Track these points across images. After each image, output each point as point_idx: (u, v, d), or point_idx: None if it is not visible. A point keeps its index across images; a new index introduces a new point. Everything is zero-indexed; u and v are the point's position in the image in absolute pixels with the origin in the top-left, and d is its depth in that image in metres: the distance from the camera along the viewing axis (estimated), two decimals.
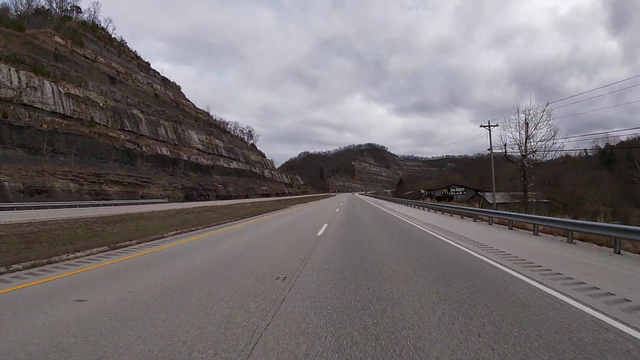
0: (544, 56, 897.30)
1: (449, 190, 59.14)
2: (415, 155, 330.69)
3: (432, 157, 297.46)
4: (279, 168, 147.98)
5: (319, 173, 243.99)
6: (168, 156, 56.06)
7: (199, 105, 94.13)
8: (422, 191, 70.47)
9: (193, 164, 61.30)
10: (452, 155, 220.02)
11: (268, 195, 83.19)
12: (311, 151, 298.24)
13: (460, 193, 57.99)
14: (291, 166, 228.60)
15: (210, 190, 59.41)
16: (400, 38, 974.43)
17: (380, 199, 73.40)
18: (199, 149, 70.98)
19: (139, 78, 70.00)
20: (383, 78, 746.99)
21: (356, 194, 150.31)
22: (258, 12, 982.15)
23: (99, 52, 59.64)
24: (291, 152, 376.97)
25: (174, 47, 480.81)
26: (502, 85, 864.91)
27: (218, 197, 58.60)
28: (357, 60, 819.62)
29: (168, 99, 74.78)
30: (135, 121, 54.20)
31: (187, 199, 50.00)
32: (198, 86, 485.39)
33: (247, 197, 69.22)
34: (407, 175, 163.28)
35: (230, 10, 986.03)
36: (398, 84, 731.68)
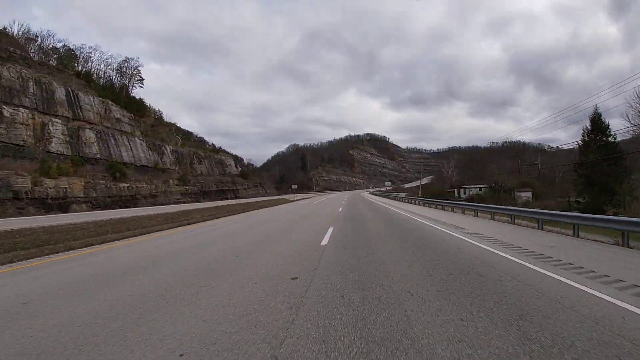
0: (543, 44, 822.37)
1: None
2: (418, 148, 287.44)
3: (437, 149, 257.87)
4: (266, 162, 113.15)
5: (300, 163, 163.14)
6: None
7: None
8: None
9: None
10: (460, 147, 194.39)
11: None
12: (301, 144, 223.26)
13: None
14: (277, 161, 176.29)
15: None
16: (392, 27, 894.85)
17: None
18: None
19: None
20: (376, 71, 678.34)
21: (365, 193, 71.70)
22: (242, 3, 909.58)
23: None
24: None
25: (159, 46, 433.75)
26: (500, 75, 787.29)
27: None
28: (348, 52, 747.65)
29: None
30: None
31: None
32: (189, 86, 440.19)
33: None
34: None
35: (213, 4, 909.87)
36: (392, 76, 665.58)
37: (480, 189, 42.20)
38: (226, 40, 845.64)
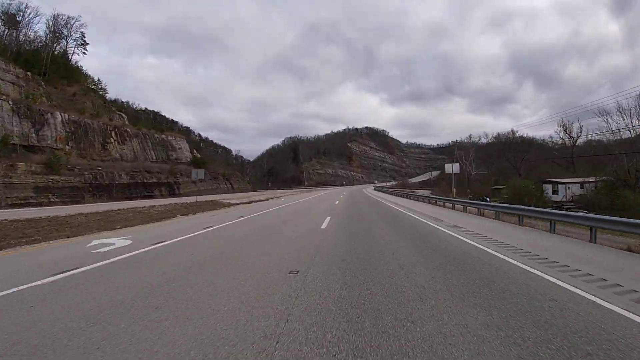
0: (543, 41, 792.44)
1: None
2: (417, 144, 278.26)
3: (438, 144, 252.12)
4: (260, 155, 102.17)
5: (292, 155, 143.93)
6: None
7: None
8: None
9: None
10: (462, 141, 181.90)
11: None
12: (296, 137, 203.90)
13: None
14: (273, 154, 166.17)
15: None
16: (391, 22, 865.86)
17: None
18: None
19: None
20: (374, 66, 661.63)
21: (368, 190, 53.54)
22: None
23: None
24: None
25: (156, 40, 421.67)
26: (499, 72, 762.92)
27: None
28: (346, 47, 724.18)
29: None
30: None
31: None
32: (186, 80, 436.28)
33: None
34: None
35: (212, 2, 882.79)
36: (390, 72, 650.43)
37: (582, 185, 23.80)
38: (224, 35, 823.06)
